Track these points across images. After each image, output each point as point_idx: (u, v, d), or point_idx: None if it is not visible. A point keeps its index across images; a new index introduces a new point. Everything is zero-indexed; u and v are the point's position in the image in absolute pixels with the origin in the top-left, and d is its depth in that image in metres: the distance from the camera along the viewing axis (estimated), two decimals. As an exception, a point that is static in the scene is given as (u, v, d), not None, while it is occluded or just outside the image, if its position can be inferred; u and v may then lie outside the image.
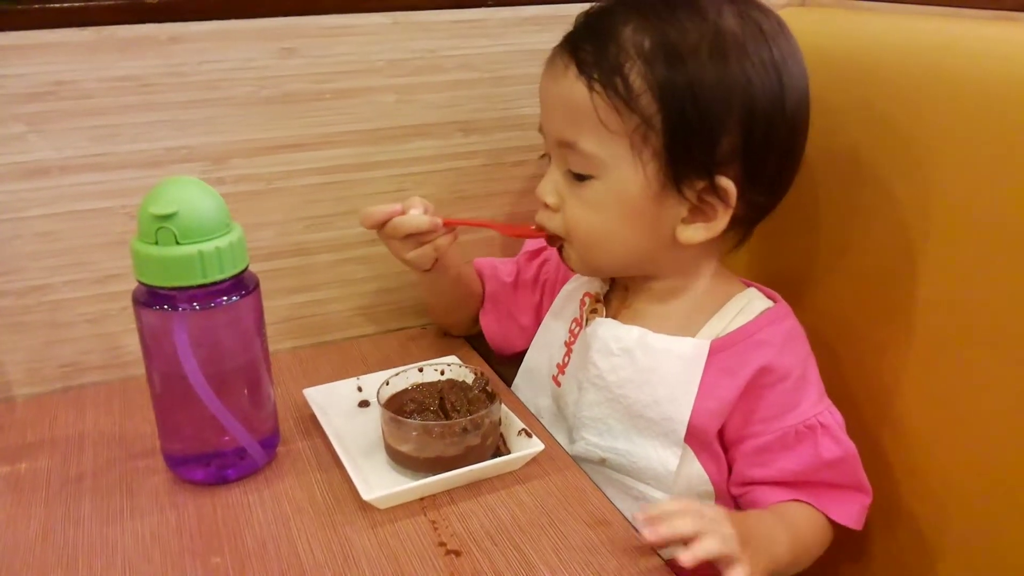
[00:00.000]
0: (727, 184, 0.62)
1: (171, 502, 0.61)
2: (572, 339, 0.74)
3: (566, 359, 0.74)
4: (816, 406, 0.65)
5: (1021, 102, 0.59)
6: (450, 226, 0.72)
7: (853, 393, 0.74)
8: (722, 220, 0.63)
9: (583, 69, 0.62)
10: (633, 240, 0.65)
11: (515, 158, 0.87)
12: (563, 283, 0.78)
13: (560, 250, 0.70)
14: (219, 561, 0.56)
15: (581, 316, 0.73)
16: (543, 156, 0.70)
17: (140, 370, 0.62)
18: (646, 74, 0.60)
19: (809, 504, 0.64)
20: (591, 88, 0.61)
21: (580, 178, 0.64)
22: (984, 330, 0.63)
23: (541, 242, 0.81)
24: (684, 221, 0.64)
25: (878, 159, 0.71)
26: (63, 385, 0.78)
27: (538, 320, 0.80)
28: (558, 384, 0.74)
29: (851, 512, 0.65)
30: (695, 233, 0.64)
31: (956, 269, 0.65)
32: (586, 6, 0.65)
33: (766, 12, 0.63)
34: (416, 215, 0.71)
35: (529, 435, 0.66)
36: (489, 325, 0.83)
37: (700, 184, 0.62)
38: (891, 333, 0.71)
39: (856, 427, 0.67)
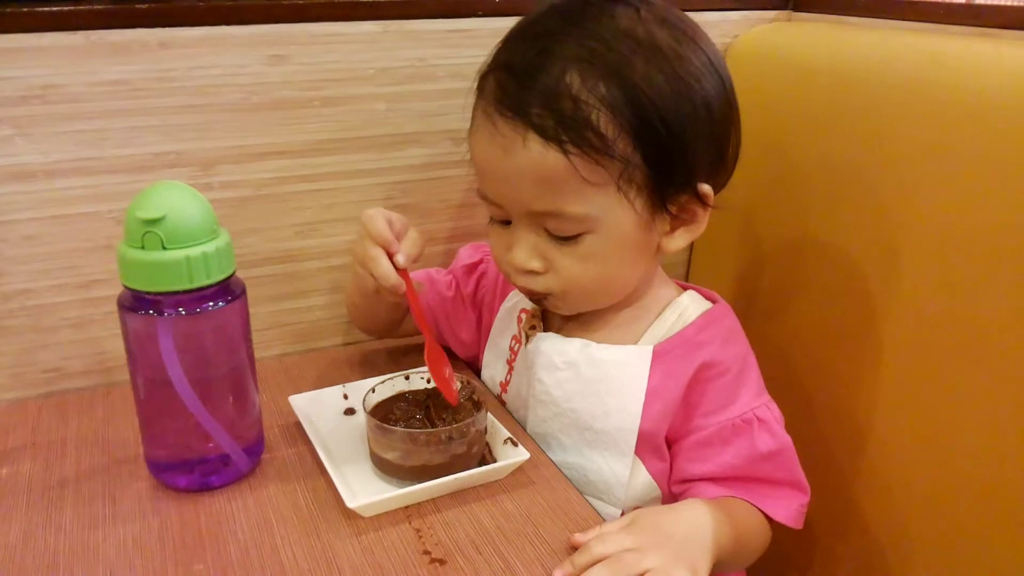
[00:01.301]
0: (707, 189, 0.63)
1: (154, 509, 0.61)
2: (512, 356, 0.74)
3: (508, 377, 0.74)
4: (754, 401, 0.66)
5: (1001, 116, 0.60)
6: (403, 293, 0.68)
7: (824, 401, 0.75)
8: (703, 220, 0.65)
9: (548, 134, 0.58)
10: (631, 272, 0.66)
11: (504, 168, 0.87)
12: (501, 299, 0.77)
13: (541, 300, 0.68)
14: (202, 568, 0.55)
15: (520, 333, 0.73)
16: (492, 222, 0.67)
17: (124, 376, 0.62)
18: (614, 118, 0.58)
19: (746, 501, 0.64)
20: (565, 152, 0.58)
21: (568, 238, 0.63)
22: (956, 341, 0.64)
23: (478, 255, 0.81)
24: (667, 233, 0.65)
25: (860, 171, 0.71)
26: (46, 390, 0.77)
27: (478, 335, 0.80)
28: (503, 403, 0.75)
29: (789, 510, 0.65)
30: (680, 240, 0.65)
31: (937, 281, 0.66)
32: None
33: (672, 10, 0.63)
34: (390, 273, 0.66)
35: (515, 444, 0.66)
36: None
37: (684, 197, 0.63)
38: (865, 344, 0.72)
39: (823, 431, 0.68)
